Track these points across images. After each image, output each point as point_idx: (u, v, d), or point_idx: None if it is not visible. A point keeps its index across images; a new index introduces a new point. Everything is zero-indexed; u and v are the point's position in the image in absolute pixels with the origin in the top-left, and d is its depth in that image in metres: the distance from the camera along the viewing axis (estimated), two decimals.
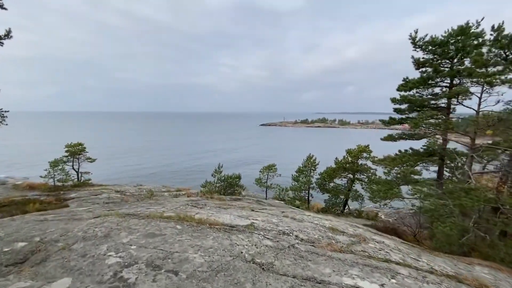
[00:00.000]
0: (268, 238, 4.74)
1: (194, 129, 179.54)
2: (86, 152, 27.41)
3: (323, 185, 19.94)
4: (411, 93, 11.87)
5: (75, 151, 26.13)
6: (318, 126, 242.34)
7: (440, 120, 11.36)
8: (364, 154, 18.32)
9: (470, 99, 11.23)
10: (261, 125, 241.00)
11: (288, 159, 65.12)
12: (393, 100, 11.47)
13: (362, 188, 18.19)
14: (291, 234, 5.13)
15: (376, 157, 18.52)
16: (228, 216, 5.95)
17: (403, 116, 11.88)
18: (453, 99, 11.34)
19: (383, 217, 21.45)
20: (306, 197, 21.00)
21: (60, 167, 23.32)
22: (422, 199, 10.43)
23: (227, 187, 16.39)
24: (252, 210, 7.24)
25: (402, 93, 11.57)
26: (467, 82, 11.19)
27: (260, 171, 18.77)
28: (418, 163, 12.54)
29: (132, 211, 6.04)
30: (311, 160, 20.37)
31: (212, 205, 7.74)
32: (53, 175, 22.66)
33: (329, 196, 21.19)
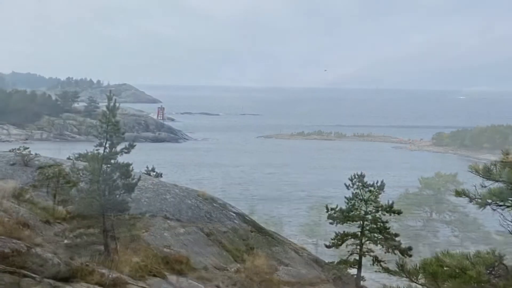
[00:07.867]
0: None
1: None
2: None
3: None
4: None
5: None
6: (315, 139, 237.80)
7: None
8: (450, 186, 13.43)
9: None
10: (258, 137, 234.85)
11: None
12: None
13: (453, 233, 13.10)
14: None
15: (467, 190, 13.52)
16: None
17: None
18: None
19: None
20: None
21: None
22: None
23: None
24: None
25: None
26: None
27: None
28: None
29: None
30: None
31: None
32: None
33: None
